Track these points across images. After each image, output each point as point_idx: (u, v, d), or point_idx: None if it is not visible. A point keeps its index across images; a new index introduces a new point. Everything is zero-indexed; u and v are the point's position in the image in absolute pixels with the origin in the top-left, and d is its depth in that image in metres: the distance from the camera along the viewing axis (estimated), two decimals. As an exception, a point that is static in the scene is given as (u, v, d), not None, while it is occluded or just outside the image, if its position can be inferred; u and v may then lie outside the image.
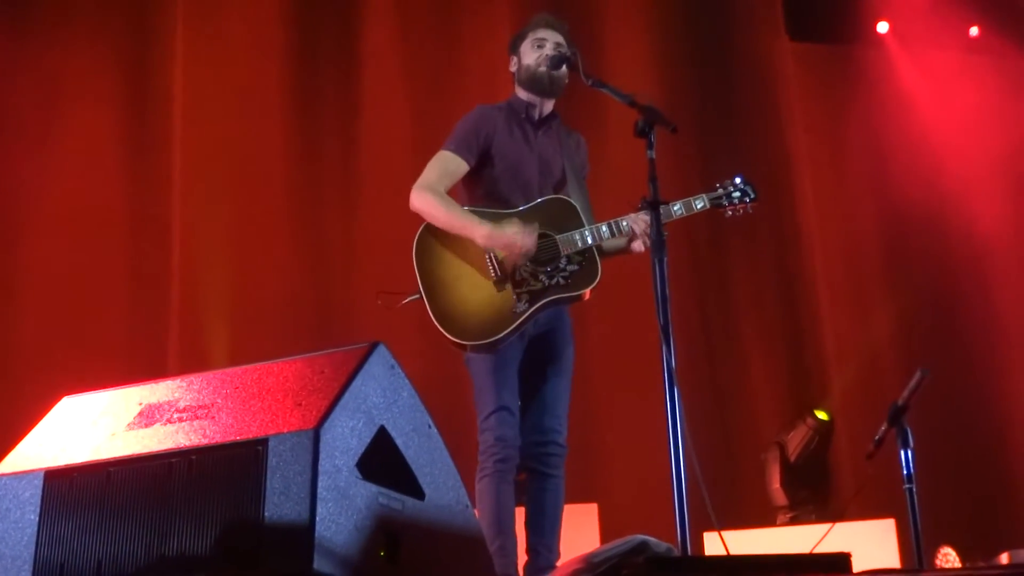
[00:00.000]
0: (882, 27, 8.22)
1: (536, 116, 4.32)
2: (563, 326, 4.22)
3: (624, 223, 4.08)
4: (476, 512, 3.90)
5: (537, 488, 4.12)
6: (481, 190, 4.24)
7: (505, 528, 3.98)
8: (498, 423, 4.00)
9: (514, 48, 4.40)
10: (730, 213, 4.21)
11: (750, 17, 8.00)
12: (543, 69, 4.24)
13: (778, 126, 7.82)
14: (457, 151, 4.21)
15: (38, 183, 6.84)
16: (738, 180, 4.20)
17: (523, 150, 4.24)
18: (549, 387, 4.16)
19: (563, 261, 4.07)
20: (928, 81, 8.04)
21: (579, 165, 4.31)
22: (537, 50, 4.29)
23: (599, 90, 3.94)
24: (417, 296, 4.09)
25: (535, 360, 4.16)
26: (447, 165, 4.20)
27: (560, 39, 4.30)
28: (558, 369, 4.19)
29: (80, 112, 7.03)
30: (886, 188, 8.01)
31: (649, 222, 3.93)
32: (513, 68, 4.39)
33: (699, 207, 4.13)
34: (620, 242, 4.19)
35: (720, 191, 4.18)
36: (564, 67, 4.22)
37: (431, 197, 4.12)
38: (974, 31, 8.22)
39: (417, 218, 4.20)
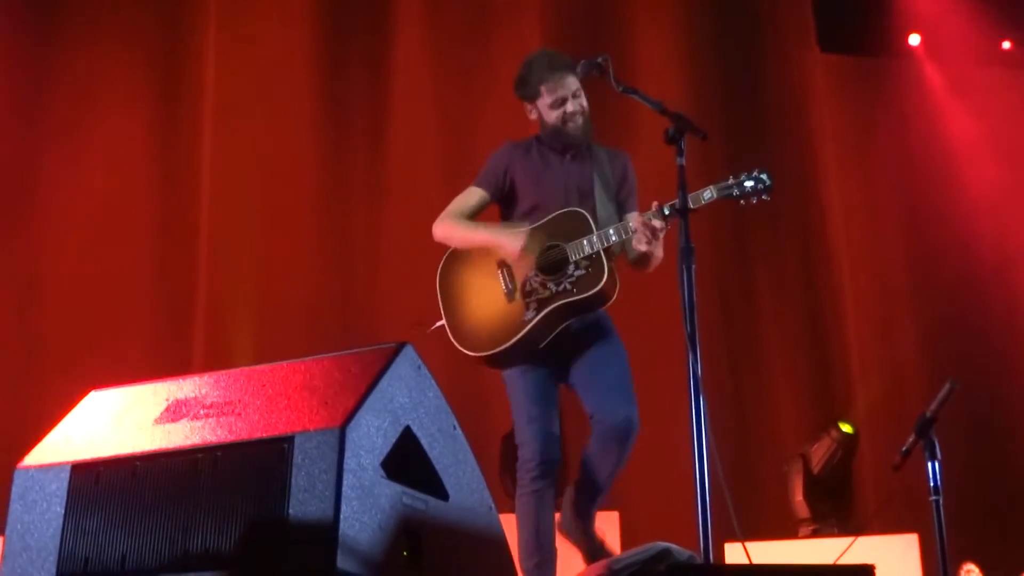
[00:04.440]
0: (914, 40, 8.20)
1: (563, 145, 4.30)
2: (599, 325, 4.18)
3: (628, 223, 4.05)
4: (516, 525, 3.95)
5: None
6: (513, 219, 4.28)
7: (543, 545, 3.97)
8: (532, 436, 3.98)
9: (526, 95, 4.29)
10: (743, 203, 4.04)
11: (781, 28, 7.98)
12: (571, 126, 4.20)
13: (807, 137, 7.80)
14: (479, 184, 4.32)
15: (68, 180, 6.88)
16: (755, 170, 4.05)
17: (546, 176, 4.25)
18: (603, 370, 4.10)
19: (571, 268, 4.06)
20: (959, 94, 8.01)
21: (614, 183, 4.28)
22: (558, 109, 4.21)
23: (629, 96, 3.93)
24: (443, 323, 4.18)
25: (576, 359, 4.13)
26: (469, 197, 4.31)
27: (574, 82, 4.21)
28: (603, 354, 4.13)
29: (110, 111, 7.06)
30: (914, 200, 7.98)
31: (645, 219, 3.94)
32: (533, 116, 4.33)
33: (707, 198, 3.97)
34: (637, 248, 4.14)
35: (731, 180, 4.02)
36: (586, 119, 4.20)
37: (448, 220, 4.25)
38: (1006, 45, 8.19)
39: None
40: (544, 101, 4.24)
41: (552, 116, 4.23)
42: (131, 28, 7.19)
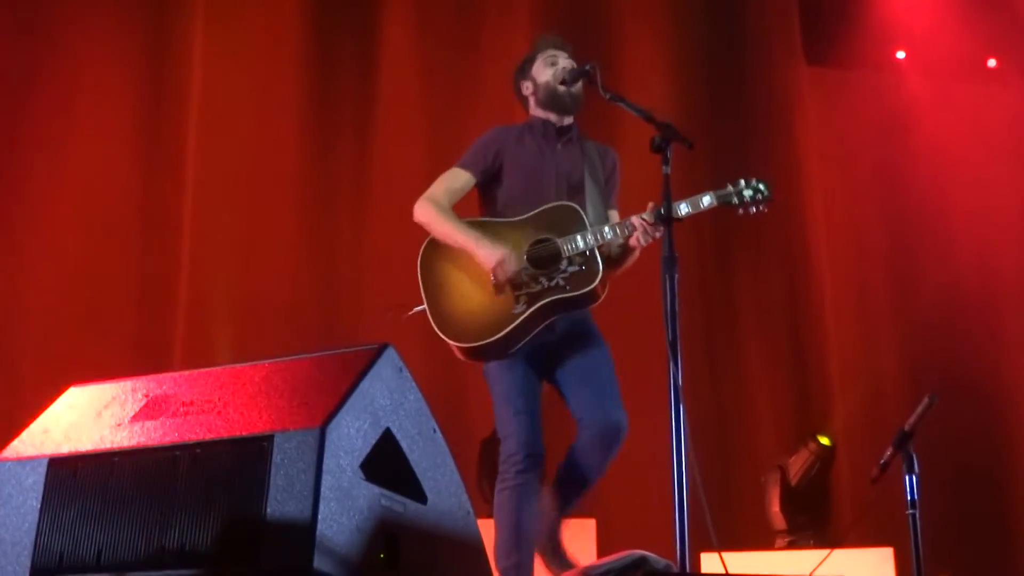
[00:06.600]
0: (900, 55, 8.24)
1: (553, 131, 4.32)
2: (585, 328, 4.18)
3: (627, 223, 4.04)
4: (493, 521, 3.91)
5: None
6: (497, 204, 4.25)
7: (523, 544, 3.90)
8: (518, 427, 3.94)
9: (524, 74, 4.41)
10: (741, 212, 4.08)
11: (767, 40, 8.01)
12: (562, 88, 4.25)
13: (791, 149, 7.82)
14: (463, 166, 4.26)
15: (51, 176, 6.84)
16: (753, 180, 4.09)
17: (539, 163, 4.24)
18: (591, 374, 4.09)
19: (564, 263, 4.04)
20: (943, 110, 8.05)
21: (603, 178, 4.29)
22: (551, 67, 4.31)
23: (616, 104, 3.94)
24: (423, 307, 4.09)
25: (563, 359, 4.12)
26: (453, 180, 4.25)
27: (569, 58, 4.33)
28: (591, 357, 4.12)
29: (95, 107, 7.02)
30: (897, 215, 8.02)
31: (651, 223, 3.93)
32: (527, 92, 4.39)
33: (707, 204, 4.01)
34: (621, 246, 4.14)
35: (730, 189, 4.06)
36: (579, 83, 4.24)
37: (431, 209, 4.17)
38: (992, 63, 8.24)
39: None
40: (539, 65, 4.34)
41: (546, 73, 4.30)
42: (117, 26, 7.14)
